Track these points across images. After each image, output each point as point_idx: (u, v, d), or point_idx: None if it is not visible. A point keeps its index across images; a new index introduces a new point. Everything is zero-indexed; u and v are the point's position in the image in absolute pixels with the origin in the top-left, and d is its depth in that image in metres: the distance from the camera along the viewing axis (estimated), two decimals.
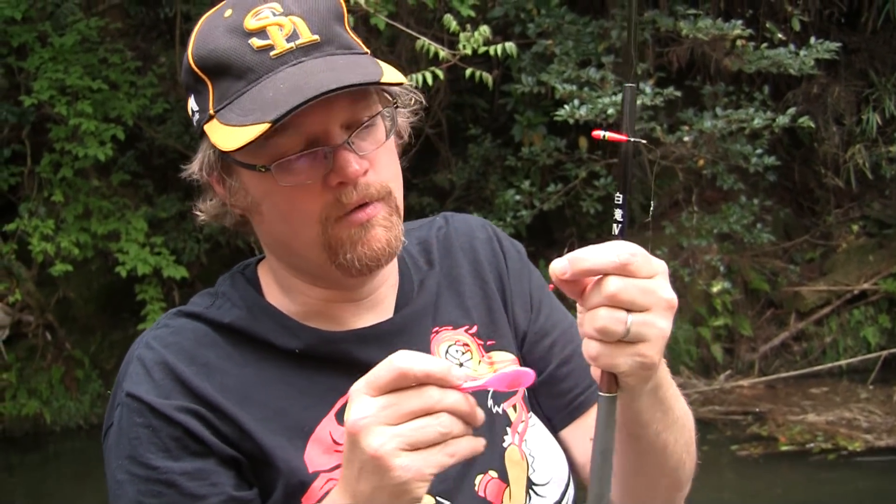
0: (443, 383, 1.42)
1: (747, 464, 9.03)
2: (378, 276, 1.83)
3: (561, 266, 1.39)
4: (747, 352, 11.30)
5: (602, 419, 1.46)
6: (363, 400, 1.43)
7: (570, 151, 10.47)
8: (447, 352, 1.86)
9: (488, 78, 7.27)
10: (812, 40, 8.98)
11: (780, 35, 9.38)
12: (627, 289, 1.36)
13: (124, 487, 1.69)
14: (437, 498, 1.72)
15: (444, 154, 12.02)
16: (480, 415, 1.46)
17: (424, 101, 1.84)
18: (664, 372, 1.55)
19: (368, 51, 1.73)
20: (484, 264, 1.96)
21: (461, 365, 1.84)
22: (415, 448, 1.41)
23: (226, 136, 1.63)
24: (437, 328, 1.88)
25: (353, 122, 1.67)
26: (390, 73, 1.65)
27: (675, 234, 10.29)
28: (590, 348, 1.40)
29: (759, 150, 9.35)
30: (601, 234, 11.28)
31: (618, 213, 1.46)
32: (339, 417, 1.72)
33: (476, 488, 1.75)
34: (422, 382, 1.42)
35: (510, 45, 7.33)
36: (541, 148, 10.24)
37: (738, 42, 9.12)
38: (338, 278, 1.76)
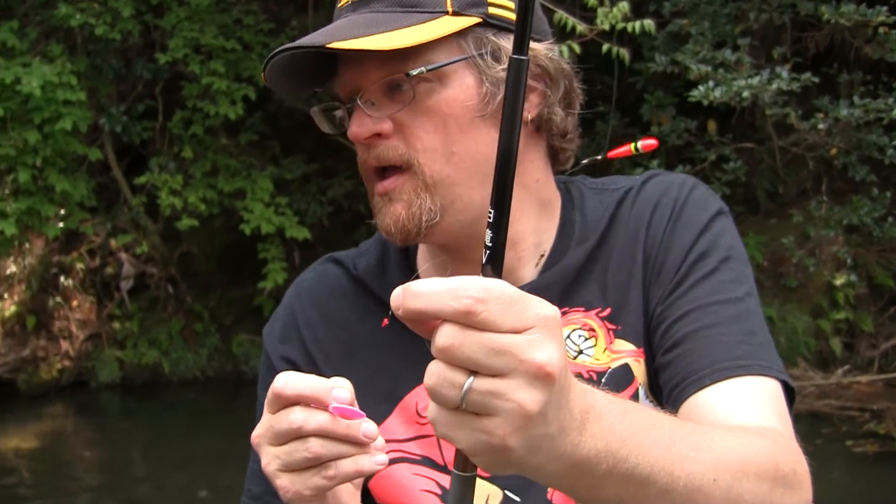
0: (318, 404, 1.32)
1: (861, 460, 8.84)
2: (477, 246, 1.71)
3: (395, 299, 1.10)
4: (867, 348, 11.03)
5: (452, 503, 1.14)
6: (263, 415, 1.38)
7: (700, 133, 10.32)
8: (569, 337, 1.67)
9: (625, 54, 7.20)
10: None
11: None
12: (465, 345, 1.04)
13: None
14: (506, 492, 1.65)
15: None
16: (370, 431, 1.32)
17: (556, 69, 1.68)
18: (610, 440, 1.17)
19: (450, 10, 1.58)
20: (643, 232, 1.71)
21: (580, 352, 1.67)
22: (292, 469, 1.34)
23: None
24: (566, 309, 1.68)
25: (395, 81, 1.59)
26: (406, 37, 1.54)
27: (802, 223, 10.08)
28: (429, 409, 1.11)
29: (895, 143, 9.08)
30: None
31: (487, 236, 1.10)
32: None
33: (547, 490, 1.62)
34: (295, 403, 1.33)
35: (648, 23, 7.25)
36: (670, 128, 10.10)
37: (881, 29, 8.87)
38: None
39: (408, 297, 1.08)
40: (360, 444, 1.33)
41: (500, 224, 1.10)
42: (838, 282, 10.27)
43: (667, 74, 9.81)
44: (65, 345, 12.59)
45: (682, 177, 1.79)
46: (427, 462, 1.69)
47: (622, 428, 1.18)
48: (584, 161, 1.43)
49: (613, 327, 1.67)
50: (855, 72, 9.81)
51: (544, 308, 1.07)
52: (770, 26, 9.56)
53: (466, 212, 1.63)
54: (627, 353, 1.65)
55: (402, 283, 1.73)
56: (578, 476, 1.16)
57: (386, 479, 1.67)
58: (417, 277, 1.77)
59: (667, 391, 1.57)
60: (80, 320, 12.74)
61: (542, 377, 1.04)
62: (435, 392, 1.07)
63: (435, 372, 1.07)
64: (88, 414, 12.14)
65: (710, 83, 8.29)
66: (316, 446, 1.31)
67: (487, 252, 1.11)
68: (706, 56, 8.80)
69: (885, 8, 8.74)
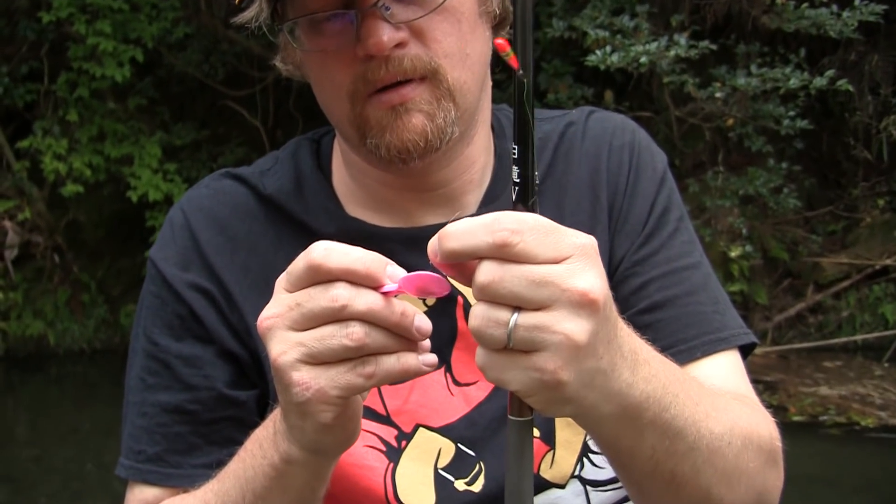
0: (367, 283, 1.11)
1: None
2: (446, 164, 1.58)
3: (430, 247, 1.07)
4: (761, 320, 11.09)
5: (512, 450, 1.12)
6: (279, 294, 1.16)
7: (597, 102, 10.23)
8: None
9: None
10: (856, 1, 8.64)
11: None
12: (506, 279, 1.02)
13: (134, 358, 1.63)
14: (459, 445, 1.55)
15: None
16: (424, 325, 1.14)
17: None
18: (656, 386, 1.18)
19: None
20: (603, 175, 1.65)
21: None
22: (319, 361, 1.12)
23: None
24: None
25: None
26: None
27: (699, 194, 10.04)
28: (477, 355, 1.07)
29: (791, 112, 9.06)
30: None
31: (514, 171, 1.08)
32: None
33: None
34: (339, 279, 1.11)
35: None
36: (567, 96, 9.99)
37: (778, 0, 8.84)
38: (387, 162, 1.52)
39: (443, 239, 1.05)
40: (408, 340, 1.14)
41: (525, 159, 1.07)
42: (734, 253, 10.25)
43: (564, 42, 9.69)
44: None
45: (622, 117, 1.77)
46: (367, 413, 1.53)
47: (664, 375, 1.20)
48: None
49: None
50: (752, 43, 9.77)
51: (580, 237, 1.06)
52: None
53: (465, 120, 1.53)
54: None
55: (325, 207, 1.59)
56: (627, 421, 1.16)
57: None
58: (339, 204, 1.64)
59: None
60: None
61: (586, 305, 1.03)
62: (481, 333, 1.04)
63: (478, 313, 1.04)
64: None
65: (608, 48, 8.18)
66: (359, 332, 1.11)
67: (516, 189, 1.08)
68: (604, 22, 8.69)
69: None
